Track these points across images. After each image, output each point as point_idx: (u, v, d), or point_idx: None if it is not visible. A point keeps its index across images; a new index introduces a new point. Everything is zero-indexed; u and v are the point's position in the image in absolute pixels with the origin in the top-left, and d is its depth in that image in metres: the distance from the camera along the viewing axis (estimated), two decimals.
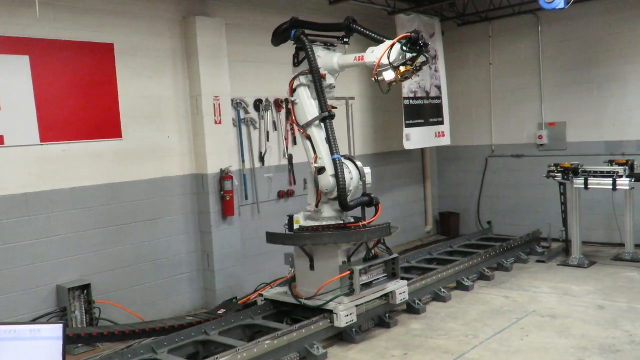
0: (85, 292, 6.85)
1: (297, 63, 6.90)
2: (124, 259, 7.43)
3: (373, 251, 6.77)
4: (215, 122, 8.09)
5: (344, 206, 6.47)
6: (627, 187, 8.68)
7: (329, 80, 6.80)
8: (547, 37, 10.94)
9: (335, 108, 9.90)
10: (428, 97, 10.92)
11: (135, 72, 7.51)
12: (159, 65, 7.78)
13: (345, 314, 6.28)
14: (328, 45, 6.90)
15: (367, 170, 6.77)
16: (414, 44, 6.00)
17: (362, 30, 6.61)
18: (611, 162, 9.09)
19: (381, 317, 6.92)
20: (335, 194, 6.45)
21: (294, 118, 6.85)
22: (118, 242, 7.37)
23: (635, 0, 9.88)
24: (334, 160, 6.44)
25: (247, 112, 8.76)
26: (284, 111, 9.22)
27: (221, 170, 8.10)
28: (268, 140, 9.02)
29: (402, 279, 7.20)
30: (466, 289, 8.19)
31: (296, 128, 6.87)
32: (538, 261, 9.61)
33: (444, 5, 11.05)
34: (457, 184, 12.44)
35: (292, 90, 6.83)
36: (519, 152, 11.49)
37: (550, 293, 7.93)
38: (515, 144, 11.52)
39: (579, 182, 9.00)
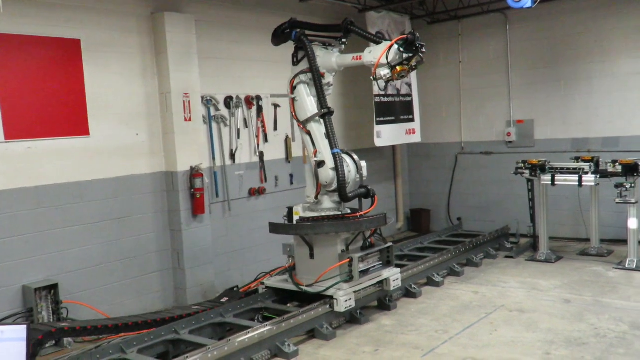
0: (52, 292, 6.74)
1: (296, 62, 7.21)
2: (92, 258, 7.32)
3: (369, 240, 7.11)
4: (185, 119, 8.02)
5: (344, 198, 6.78)
6: (593, 183, 8.85)
7: (327, 78, 7.14)
8: (515, 35, 11.08)
9: None
10: (399, 94, 10.99)
11: (102, 69, 7.40)
12: (127, 61, 7.67)
13: (344, 299, 6.61)
14: (326, 45, 7.22)
15: (364, 163, 7.11)
16: (411, 45, 6.36)
17: (360, 31, 7.02)
18: (577, 159, 9.24)
19: (353, 314, 6.95)
20: (334, 186, 6.78)
21: (294, 114, 7.16)
22: (86, 241, 7.26)
23: (599, 1, 10.07)
24: (334, 155, 6.76)
25: (217, 109, 8.70)
26: (254, 108, 9.18)
27: (191, 167, 8.03)
28: (239, 137, 8.97)
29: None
30: (436, 284, 8.27)
31: (296, 123, 7.19)
32: (507, 256, 9.75)
33: (414, 3, 11.12)
34: (428, 180, 12.55)
35: (293, 88, 7.14)
36: (488, 149, 11.63)
37: (518, 288, 8.05)
38: (485, 141, 11.66)
39: (546, 178, 9.15)
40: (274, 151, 9.58)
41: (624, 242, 8.96)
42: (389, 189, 12.31)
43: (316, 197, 7.02)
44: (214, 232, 8.54)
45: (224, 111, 8.79)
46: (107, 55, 7.44)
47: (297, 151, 9.94)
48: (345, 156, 6.92)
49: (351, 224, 6.80)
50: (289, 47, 9.78)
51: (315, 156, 6.93)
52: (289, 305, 7.22)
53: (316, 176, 6.88)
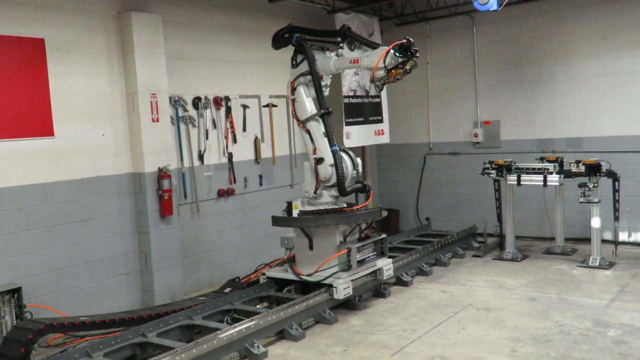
0: (16, 295, 6.58)
1: (295, 65, 7.56)
2: (57, 261, 7.18)
3: (365, 232, 7.61)
4: (153, 120, 7.94)
5: (342, 192, 7.22)
6: (557, 183, 9.02)
7: (325, 80, 7.55)
8: (481, 37, 11.24)
9: (276, 106, 9.97)
10: (367, 95, 11.04)
11: (68, 69, 7.27)
12: (93, 61, 7.55)
13: (343, 287, 7.04)
14: (324, 50, 7.61)
15: (359, 160, 7.59)
16: (406, 50, 6.79)
17: (357, 36, 7.49)
18: (542, 159, 9.40)
19: (321, 314, 6.97)
20: (332, 182, 7.24)
21: (294, 113, 7.55)
22: (50, 244, 7.12)
23: (564, 4, 10.28)
24: (333, 152, 7.17)
25: (185, 110, 8.63)
26: (223, 109, 9.14)
27: (159, 168, 7.95)
28: (207, 138, 8.92)
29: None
30: (405, 284, 8.33)
31: (296, 122, 7.56)
32: (474, 256, 9.88)
33: (382, 5, 11.19)
34: (397, 181, 12.64)
35: (293, 89, 7.54)
36: (456, 150, 11.77)
37: (485, 286, 8.16)
38: (452, 142, 11.79)
39: (512, 178, 9.30)
40: (243, 152, 9.55)
41: (587, 240, 9.16)
42: None
43: (315, 192, 7.40)
44: (182, 233, 8.47)
45: (192, 112, 8.73)
46: (72, 55, 7.32)
47: (266, 152, 9.93)
48: (342, 153, 7.35)
49: (350, 216, 7.24)
50: (259, 49, 9.83)
51: (315, 153, 7.33)
52: (258, 306, 7.20)
53: (316, 172, 7.31)
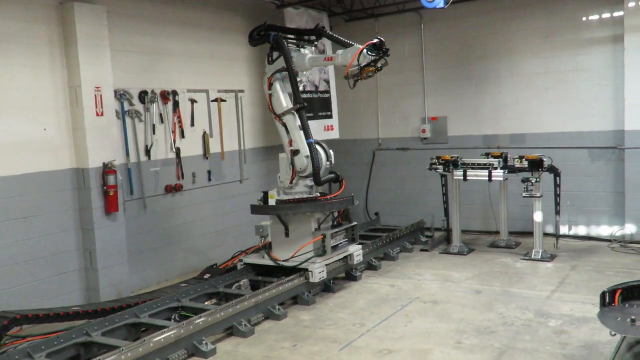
0: None
1: (271, 61, 7.85)
2: None
3: (338, 219, 8.19)
4: (97, 114, 7.74)
5: (318, 182, 7.62)
6: (501, 178, 9.24)
7: (300, 76, 7.93)
8: (429, 34, 11.40)
9: (224, 101, 9.88)
10: (317, 91, 11.06)
11: (7, 60, 7.00)
12: (34, 53, 7.30)
13: (318, 271, 7.48)
14: (299, 47, 7.96)
15: (331, 152, 7.95)
16: (378, 49, 7.20)
17: (331, 35, 8.02)
18: (487, 155, 9.63)
19: (270, 310, 6.96)
20: (307, 172, 7.63)
21: (270, 108, 7.87)
22: None
23: (508, 3, 10.52)
24: (309, 144, 7.53)
25: (131, 104, 8.45)
26: (170, 103, 8.99)
27: (104, 164, 7.76)
28: (154, 133, 8.76)
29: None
30: (354, 278, 8.40)
31: (273, 116, 7.87)
32: (422, 250, 10.04)
33: (331, 1, 11.22)
34: (346, 176, 12.53)
35: (270, 85, 7.83)
36: (404, 145, 11.91)
37: (432, 280, 8.30)
38: (401, 138, 11.93)
39: (458, 173, 9.47)
40: (191, 147, 9.42)
41: (530, 234, 9.42)
42: None
43: (291, 182, 7.80)
44: (129, 230, 8.30)
45: (138, 106, 8.56)
46: (11, 47, 7.05)
47: (215, 147, 9.83)
48: (317, 146, 7.68)
49: (325, 204, 7.73)
50: (208, 43, 9.72)
51: (291, 145, 7.69)
52: (206, 303, 7.14)
53: (292, 163, 7.70)
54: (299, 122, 7.68)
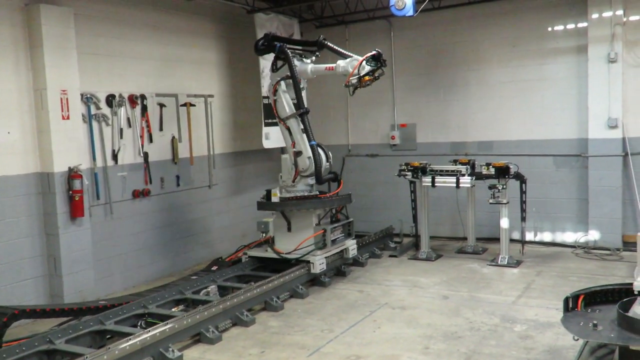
0: None
1: (275, 69, 8.54)
2: None
3: (336, 215, 9.09)
4: (63, 118, 7.62)
5: (319, 180, 8.24)
6: (469, 185, 9.35)
7: (302, 83, 8.51)
8: (398, 42, 11.50)
9: (194, 105, 9.82)
10: None
11: None
12: None
13: (319, 262, 8.15)
14: (301, 57, 8.61)
15: (330, 154, 8.57)
16: (376, 60, 7.87)
17: (332, 46, 8.47)
18: (455, 162, 9.72)
19: (238, 316, 6.91)
20: (309, 172, 8.26)
21: (275, 113, 8.49)
22: None
23: (476, 12, 10.68)
24: (312, 146, 8.15)
25: (98, 108, 8.34)
26: (139, 107, 8.89)
27: (69, 168, 7.64)
28: (122, 137, 8.65)
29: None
30: (323, 284, 8.40)
31: (277, 120, 8.53)
32: (391, 256, 10.09)
33: (302, 7, 11.26)
34: None
35: (275, 91, 8.43)
36: (374, 152, 11.98)
37: (401, 286, 8.35)
38: (370, 144, 11.99)
39: (426, 180, 9.56)
40: (159, 152, 9.33)
41: (497, 240, 9.53)
42: None
43: (293, 181, 8.44)
44: (95, 235, 8.18)
45: (105, 110, 8.44)
46: None
47: (184, 152, 9.75)
48: (318, 148, 8.25)
49: (327, 201, 8.45)
50: (177, 47, 9.67)
51: (294, 147, 8.30)
52: (174, 309, 7.06)
53: (295, 164, 8.35)
54: (301, 126, 8.28)
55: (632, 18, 9.47)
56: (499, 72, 10.63)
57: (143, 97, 8.95)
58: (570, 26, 9.98)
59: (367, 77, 7.86)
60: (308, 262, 8.16)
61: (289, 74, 8.25)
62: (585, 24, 9.76)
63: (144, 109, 8.99)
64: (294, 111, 8.31)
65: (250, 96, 10.99)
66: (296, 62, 8.35)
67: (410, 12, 8.10)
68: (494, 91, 10.71)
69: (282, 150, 8.39)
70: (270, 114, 10.44)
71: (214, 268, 8.93)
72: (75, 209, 7.68)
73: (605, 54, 9.52)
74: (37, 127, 7.55)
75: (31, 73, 7.48)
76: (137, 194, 8.91)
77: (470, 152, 10.84)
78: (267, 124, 10.41)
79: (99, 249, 8.31)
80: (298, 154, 8.27)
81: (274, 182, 12.11)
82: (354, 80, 7.88)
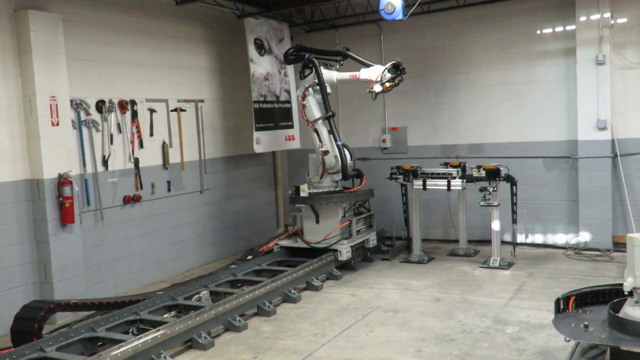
0: None
1: (302, 77, 9.53)
2: None
3: (359, 209, 9.81)
4: (52, 124, 7.58)
5: (345, 176, 9.28)
6: (460, 187, 9.39)
7: (328, 90, 9.27)
8: (388, 46, 11.53)
9: (184, 110, 9.80)
10: (278, 101, 11.05)
11: None
12: None
13: (346, 251, 9.02)
14: (327, 65, 9.51)
15: (353, 153, 9.58)
16: (397, 68, 8.73)
17: (355, 56, 9.42)
18: (446, 165, 9.75)
19: (230, 322, 6.88)
20: (335, 169, 9.22)
21: (304, 116, 9.39)
22: None
23: (465, 15, 10.72)
24: (338, 146, 9.12)
25: (88, 114, 8.30)
26: (129, 113, 8.87)
27: (59, 175, 7.60)
28: (112, 143, 8.62)
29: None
30: (315, 289, 8.39)
31: (305, 123, 9.41)
32: (383, 259, 10.10)
33: (292, 11, 11.26)
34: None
35: (304, 97, 9.32)
36: (365, 155, 11.99)
37: (393, 289, 8.36)
38: (362, 147, 12.00)
39: (418, 183, 9.59)
40: (150, 157, 9.30)
41: (488, 242, 9.55)
42: (270, 195, 12.33)
43: (321, 178, 9.33)
44: (86, 242, 8.14)
45: (95, 116, 8.41)
46: None
47: (174, 157, 9.72)
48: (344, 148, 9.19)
49: (352, 195, 9.42)
50: (167, 52, 9.67)
51: (322, 147, 9.20)
52: (165, 315, 7.03)
53: (323, 162, 9.25)
54: (328, 128, 9.19)
55: (620, 20, 9.55)
56: (488, 75, 10.68)
57: (133, 102, 8.93)
58: (559, 29, 10.05)
59: (388, 84, 8.69)
60: (335, 250, 8.99)
61: (316, 80, 9.16)
62: (573, 27, 9.83)
63: (134, 114, 8.96)
64: (321, 115, 9.18)
65: (241, 101, 10.99)
66: (323, 71, 9.18)
67: (400, 16, 8.14)
68: (483, 94, 10.75)
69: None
70: (261, 119, 10.50)
71: (249, 257, 9.81)
72: (66, 216, 7.64)
73: (593, 57, 9.59)
74: (27, 134, 7.51)
75: (20, 79, 7.44)
76: (127, 200, 8.88)
77: (461, 154, 10.88)
78: (257, 129, 10.40)
79: (90, 256, 8.27)
80: (325, 153, 9.18)
81: (267, 186, 12.19)
82: (377, 86, 8.70)
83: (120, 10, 8.85)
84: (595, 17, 9.55)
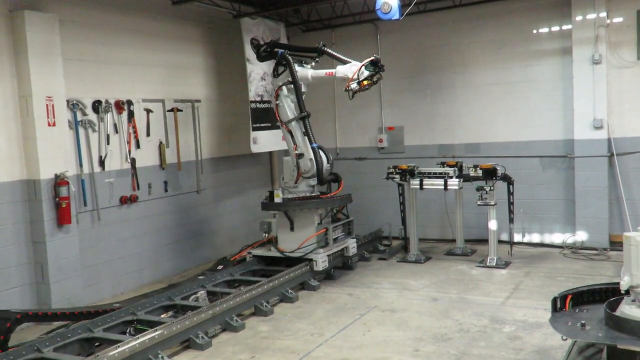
0: None
1: (276, 75, 8.80)
2: None
3: (337, 215, 9.20)
4: (49, 124, 7.57)
5: (321, 181, 8.62)
6: (457, 187, 9.39)
7: (303, 88, 8.73)
8: (385, 45, 11.53)
9: (181, 110, 9.79)
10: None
11: None
12: None
13: (322, 260, 8.44)
14: (302, 62, 8.90)
15: (331, 156, 8.92)
16: (375, 65, 8.20)
17: (331, 52, 8.86)
18: (443, 164, 9.75)
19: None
20: (311, 173, 8.58)
21: (277, 117, 8.77)
22: None
23: (462, 15, 10.73)
24: (313, 148, 8.51)
25: (84, 114, 8.29)
26: (125, 113, 8.85)
27: (56, 175, 7.58)
28: (108, 143, 8.61)
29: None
30: (313, 288, 8.39)
31: (279, 123, 8.79)
32: (380, 258, 10.10)
33: (288, 11, 11.26)
34: None
35: (277, 96, 8.70)
36: (362, 155, 12.00)
37: (390, 288, 8.36)
38: (358, 147, 12.02)
39: (414, 182, 9.59)
40: (146, 157, 9.29)
41: (485, 241, 9.57)
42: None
43: (296, 182, 8.76)
44: (82, 242, 8.12)
45: (92, 116, 8.40)
46: None
47: (171, 158, 9.71)
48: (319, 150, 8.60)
49: (328, 201, 8.72)
50: (164, 52, 9.65)
51: (296, 150, 8.61)
52: (163, 315, 7.03)
53: (297, 166, 8.65)
54: (303, 129, 8.59)
55: (616, 20, 9.57)
56: (484, 74, 10.69)
57: (130, 102, 8.92)
58: (555, 28, 10.07)
59: (366, 82, 8.16)
60: (311, 260, 8.41)
61: (290, 79, 8.52)
62: (569, 26, 9.85)
63: (131, 114, 8.95)
64: (296, 115, 8.58)
65: (238, 101, 10.98)
66: (297, 68, 8.60)
67: (396, 16, 8.13)
68: (480, 93, 10.77)
69: (286, 152, 8.66)
70: (258, 119, 10.49)
71: (220, 267, 9.23)
72: (62, 216, 7.62)
73: (589, 56, 9.61)
74: (23, 134, 7.49)
75: (16, 80, 7.43)
76: (124, 200, 8.87)
77: (458, 154, 10.89)
78: (254, 129, 10.39)
79: (87, 256, 8.26)
80: (300, 156, 8.59)
81: (263, 186, 12.17)
82: (353, 85, 8.18)
83: (116, 11, 8.83)
84: (591, 16, 9.57)
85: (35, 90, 7.40)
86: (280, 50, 8.67)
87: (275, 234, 8.99)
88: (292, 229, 8.71)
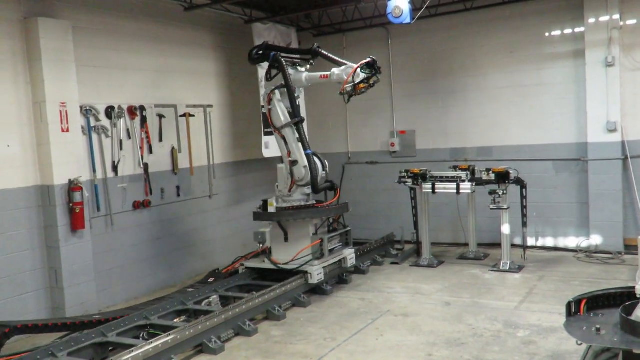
0: None
1: (269, 78, 8.44)
2: None
3: (333, 225, 8.79)
4: (62, 130, 7.63)
5: (316, 189, 8.17)
6: (469, 191, 9.35)
7: (297, 92, 8.35)
8: (396, 49, 11.53)
9: (193, 116, 9.83)
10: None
11: None
12: None
13: (317, 273, 8.02)
14: (295, 65, 8.51)
15: (327, 162, 8.55)
16: (371, 68, 7.83)
17: (326, 54, 8.41)
18: (455, 168, 9.71)
19: (241, 326, 6.90)
20: (305, 181, 8.16)
21: (270, 122, 8.38)
22: None
23: (473, 18, 10.71)
24: (307, 155, 8.09)
25: (98, 120, 8.35)
26: (138, 119, 8.90)
27: (69, 180, 7.64)
28: (121, 149, 8.66)
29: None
30: (325, 293, 8.37)
31: (272, 129, 8.39)
32: (392, 263, 10.07)
33: (299, 16, 11.29)
34: None
35: (269, 100, 8.29)
36: (373, 159, 11.98)
37: (403, 293, 8.33)
38: (370, 151, 12.00)
39: (427, 186, 9.56)
40: (159, 163, 9.33)
41: (498, 245, 9.52)
42: None
43: (290, 190, 8.31)
44: (96, 247, 8.17)
45: (105, 122, 8.46)
46: None
47: (184, 163, 9.75)
48: (313, 157, 8.20)
49: (323, 210, 8.28)
50: (176, 58, 9.69)
51: (290, 157, 8.21)
52: (176, 320, 7.05)
53: (291, 173, 8.23)
54: (297, 135, 8.20)
55: (629, 22, 9.50)
56: (497, 77, 10.65)
57: (142, 108, 8.97)
58: (568, 31, 10.01)
59: (361, 85, 7.81)
60: (306, 272, 8.03)
61: (283, 82, 8.17)
62: (582, 29, 9.79)
63: (144, 120, 9.00)
64: (289, 120, 8.21)
65: (250, 105, 11.01)
66: (290, 71, 8.27)
67: (408, 20, 8.13)
68: (492, 97, 10.72)
69: (282, 159, 8.35)
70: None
71: (211, 280, 8.93)
72: (76, 221, 7.68)
73: (602, 58, 9.54)
74: (37, 140, 7.56)
75: (30, 86, 7.50)
76: (137, 205, 8.91)
77: (470, 157, 10.84)
78: (266, 133, 10.41)
79: (100, 261, 8.30)
80: (294, 163, 8.20)
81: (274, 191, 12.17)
82: (348, 88, 7.84)
83: (129, 17, 8.90)
84: (604, 18, 9.51)
85: (49, 96, 7.47)
86: (272, 53, 8.29)
87: (269, 244, 8.60)
88: (286, 239, 8.35)
